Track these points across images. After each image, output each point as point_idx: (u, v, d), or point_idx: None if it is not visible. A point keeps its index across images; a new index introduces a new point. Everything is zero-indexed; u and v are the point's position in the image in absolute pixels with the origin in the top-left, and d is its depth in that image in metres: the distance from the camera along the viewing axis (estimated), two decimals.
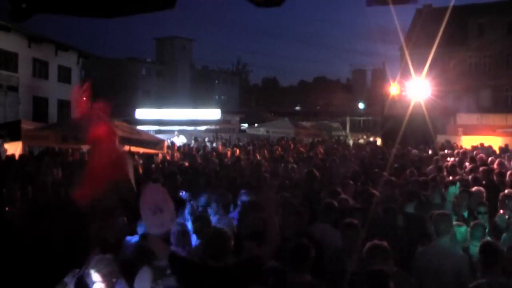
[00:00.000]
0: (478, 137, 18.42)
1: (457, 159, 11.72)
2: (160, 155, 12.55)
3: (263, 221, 4.05)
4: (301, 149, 15.92)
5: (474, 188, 7.18)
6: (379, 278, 3.69)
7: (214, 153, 13.74)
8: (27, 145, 13.16)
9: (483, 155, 11.96)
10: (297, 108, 59.41)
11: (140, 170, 9.22)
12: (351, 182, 7.52)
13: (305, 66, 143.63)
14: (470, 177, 8.45)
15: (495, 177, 8.61)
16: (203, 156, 12.95)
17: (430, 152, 14.65)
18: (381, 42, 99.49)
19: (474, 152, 12.95)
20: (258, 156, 12.83)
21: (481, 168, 9.14)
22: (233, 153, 14.56)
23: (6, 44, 23.47)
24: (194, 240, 4.99)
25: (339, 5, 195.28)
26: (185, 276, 3.52)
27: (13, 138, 12.55)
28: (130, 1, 3.03)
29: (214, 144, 19.38)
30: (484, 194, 6.92)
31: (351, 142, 24.86)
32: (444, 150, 14.41)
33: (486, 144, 16.14)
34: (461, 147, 15.83)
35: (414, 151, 14.38)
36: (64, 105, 26.49)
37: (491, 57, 32.85)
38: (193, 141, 20.60)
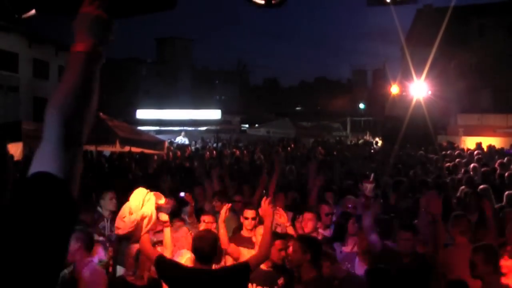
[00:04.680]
0: (479, 138, 18.39)
1: (463, 160, 11.72)
2: (156, 157, 12.54)
3: None
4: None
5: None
6: (380, 277, 3.70)
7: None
8: (28, 146, 13.13)
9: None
10: (298, 108, 59.35)
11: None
12: None
13: (305, 66, 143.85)
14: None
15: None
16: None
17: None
18: (382, 42, 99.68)
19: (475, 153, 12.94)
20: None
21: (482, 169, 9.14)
22: (232, 153, 14.55)
23: (7, 44, 23.42)
24: None
25: (339, 5, 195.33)
26: (172, 279, 3.50)
27: (14, 139, 12.50)
28: (131, 2, 3.01)
29: (215, 145, 19.34)
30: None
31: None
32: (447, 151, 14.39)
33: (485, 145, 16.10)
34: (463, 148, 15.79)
35: (421, 152, 14.28)
36: None
37: (492, 58, 32.74)
38: (199, 141, 20.58)
